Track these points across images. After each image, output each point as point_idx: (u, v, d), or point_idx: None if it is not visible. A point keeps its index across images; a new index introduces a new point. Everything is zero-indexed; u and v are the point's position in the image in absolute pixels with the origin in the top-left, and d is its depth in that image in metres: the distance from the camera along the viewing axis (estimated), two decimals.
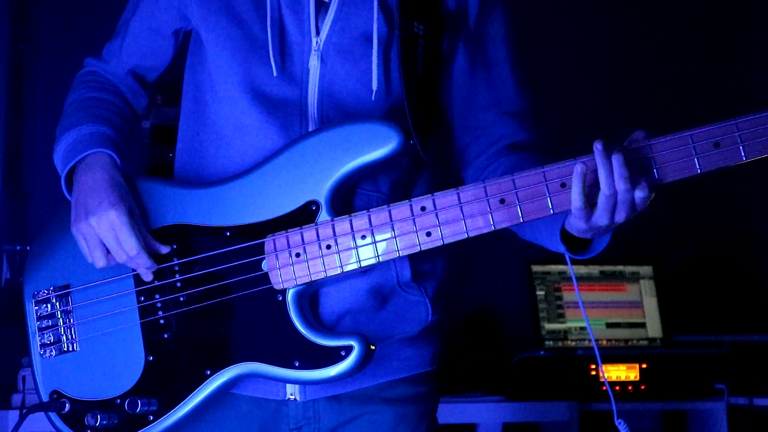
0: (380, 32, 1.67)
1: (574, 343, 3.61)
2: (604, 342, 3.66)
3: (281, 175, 1.62)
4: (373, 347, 1.59)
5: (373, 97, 1.66)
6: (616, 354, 3.54)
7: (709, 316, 3.96)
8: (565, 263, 3.77)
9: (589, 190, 1.49)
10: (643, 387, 3.48)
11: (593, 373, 3.44)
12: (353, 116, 1.65)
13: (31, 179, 3.46)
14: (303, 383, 1.63)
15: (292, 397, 1.68)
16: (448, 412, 3.22)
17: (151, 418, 1.65)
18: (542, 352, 3.50)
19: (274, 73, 1.66)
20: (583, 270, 3.74)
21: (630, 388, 3.47)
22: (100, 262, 1.65)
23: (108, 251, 1.65)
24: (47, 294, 1.74)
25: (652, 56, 4.24)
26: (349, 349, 1.56)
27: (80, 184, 1.68)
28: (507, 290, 3.85)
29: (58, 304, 1.73)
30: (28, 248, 3.25)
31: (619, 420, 1.64)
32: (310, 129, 1.67)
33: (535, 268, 3.68)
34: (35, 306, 1.75)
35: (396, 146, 1.57)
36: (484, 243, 3.69)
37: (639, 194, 1.47)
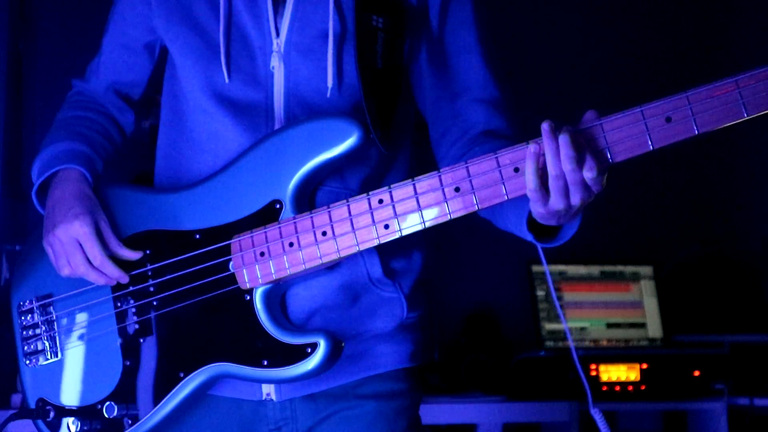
0: (336, 28, 1.68)
1: (574, 343, 3.60)
2: (605, 342, 3.66)
3: (245, 176, 1.64)
4: (342, 344, 1.59)
5: (328, 95, 1.67)
6: (616, 354, 3.55)
7: (709, 316, 3.96)
8: (564, 263, 3.79)
9: (543, 172, 1.47)
10: (643, 387, 3.48)
11: (593, 373, 3.43)
12: (314, 114, 1.66)
13: (32, 180, 3.45)
14: (273, 382, 1.64)
15: (269, 397, 1.69)
16: (448, 412, 3.22)
17: (129, 422, 1.66)
18: (542, 352, 3.50)
19: (226, 80, 1.68)
20: (583, 270, 3.74)
21: (630, 388, 3.47)
22: (65, 270, 1.68)
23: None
24: (31, 304, 1.77)
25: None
26: (314, 346, 1.57)
27: (50, 198, 1.72)
28: (507, 290, 3.85)
29: (40, 314, 1.76)
30: None
31: (595, 409, 1.65)
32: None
33: (535, 268, 3.68)
34: (20, 317, 1.78)
35: (356, 141, 1.57)
36: (484, 243, 3.67)
37: (588, 175, 1.45)
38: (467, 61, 1.77)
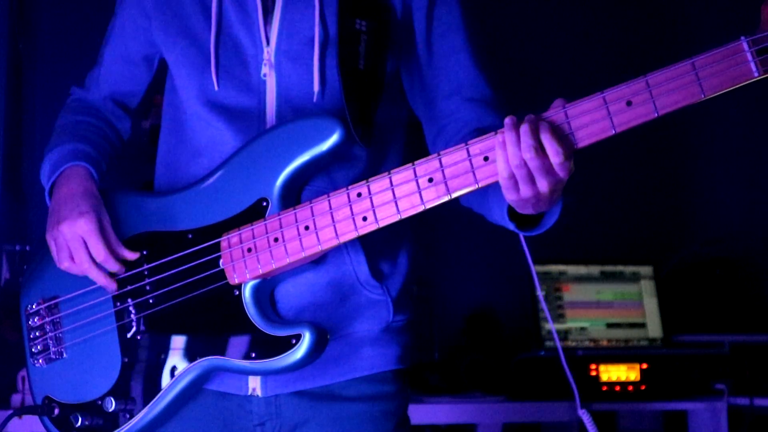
0: (321, 34, 1.73)
1: (574, 343, 3.61)
2: (605, 342, 3.66)
3: (234, 176, 1.71)
4: (327, 334, 1.65)
5: (314, 99, 1.72)
6: (617, 354, 3.55)
7: (709, 316, 3.96)
8: (564, 263, 3.79)
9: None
10: (643, 387, 3.48)
11: (593, 373, 3.44)
12: (298, 115, 1.71)
13: (31, 179, 3.47)
14: (261, 374, 1.70)
15: (255, 392, 1.74)
16: (448, 412, 3.22)
17: (128, 416, 1.73)
18: (542, 352, 3.50)
19: (215, 88, 1.74)
20: (583, 270, 3.74)
21: (630, 388, 3.47)
22: (65, 263, 1.73)
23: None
24: (38, 306, 1.84)
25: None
26: (299, 338, 1.62)
27: (57, 194, 1.78)
28: (507, 290, 3.85)
29: (47, 315, 1.82)
30: (27, 248, 3.27)
31: (583, 410, 1.67)
32: None
33: (536, 268, 3.67)
34: (27, 319, 1.84)
35: (338, 139, 1.64)
36: (484, 243, 3.66)
37: (555, 160, 1.48)
38: (457, 62, 1.81)
